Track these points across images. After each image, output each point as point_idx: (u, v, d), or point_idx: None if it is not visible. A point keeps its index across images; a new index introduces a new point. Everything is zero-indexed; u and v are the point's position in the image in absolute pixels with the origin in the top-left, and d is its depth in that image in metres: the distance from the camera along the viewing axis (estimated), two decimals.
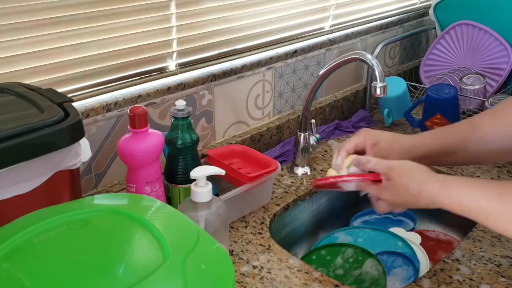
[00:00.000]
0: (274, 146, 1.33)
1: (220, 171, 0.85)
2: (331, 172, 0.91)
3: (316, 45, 1.39)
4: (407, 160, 0.82)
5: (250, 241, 0.99)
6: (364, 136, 0.91)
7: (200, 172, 0.82)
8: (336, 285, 0.88)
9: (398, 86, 1.42)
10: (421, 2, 1.75)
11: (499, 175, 1.22)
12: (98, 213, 0.62)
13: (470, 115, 1.44)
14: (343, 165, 0.90)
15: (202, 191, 0.82)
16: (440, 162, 0.92)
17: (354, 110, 1.55)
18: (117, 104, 1.01)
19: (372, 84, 1.01)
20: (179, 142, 0.96)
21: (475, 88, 1.39)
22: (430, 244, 1.17)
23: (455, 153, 0.88)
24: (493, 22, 1.47)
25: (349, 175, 0.88)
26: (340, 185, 0.87)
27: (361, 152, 0.90)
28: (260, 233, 1.01)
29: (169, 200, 1.00)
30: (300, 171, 1.24)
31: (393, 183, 0.79)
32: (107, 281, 0.52)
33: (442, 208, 0.75)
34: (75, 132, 0.70)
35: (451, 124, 0.94)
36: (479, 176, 1.22)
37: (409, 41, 1.74)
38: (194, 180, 0.97)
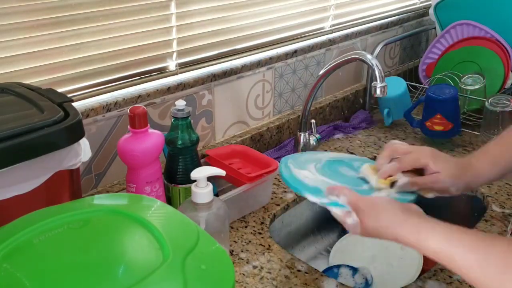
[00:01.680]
0: (274, 146, 1.33)
1: (221, 172, 0.84)
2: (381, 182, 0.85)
3: (316, 45, 1.39)
4: (379, 198, 0.78)
5: (250, 241, 0.99)
6: (427, 161, 0.84)
7: (201, 173, 0.82)
8: (337, 285, 0.88)
9: (398, 86, 1.42)
10: (421, 2, 1.75)
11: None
12: (98, 213, 0.62)
13: (470, 115, 1.44)
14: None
15: (202, 192, 0.81)
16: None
17: (354, 110, 1.55)
18: (117, 104, 1.01)
19: (372, 84, 1.02)
20: (179, 142, 0.96)
21: (474, 88, 1.39)
22: None
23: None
24: (493, 22, 1.47)
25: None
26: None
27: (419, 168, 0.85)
28: (260, 233, 1.01)
29: (169, 200, 1.00)
30: None
31: (364, 226, 0.74)
32: (107, 281, 0.52)
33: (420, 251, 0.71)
34: (75, 132, 0.70)
35: (501, 139, 0.87)
36: None
37: (409, 41, 1.74)
38: (195, 180, 0.98)
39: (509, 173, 0.85)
